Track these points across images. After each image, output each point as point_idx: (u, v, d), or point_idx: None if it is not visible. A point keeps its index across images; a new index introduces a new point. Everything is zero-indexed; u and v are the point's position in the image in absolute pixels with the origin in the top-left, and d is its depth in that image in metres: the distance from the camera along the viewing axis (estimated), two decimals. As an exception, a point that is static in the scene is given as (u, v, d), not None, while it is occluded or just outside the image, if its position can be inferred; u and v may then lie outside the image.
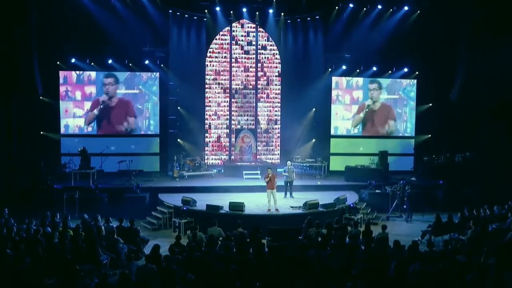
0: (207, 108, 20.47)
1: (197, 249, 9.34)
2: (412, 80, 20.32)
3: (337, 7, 19.34)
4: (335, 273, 8.09)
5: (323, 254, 8.92)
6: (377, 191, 16.30)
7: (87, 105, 18.63)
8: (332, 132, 20.23)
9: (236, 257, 8.72)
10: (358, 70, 19.90)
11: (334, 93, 20.16)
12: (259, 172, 18.10)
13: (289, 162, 15.56)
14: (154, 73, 18.97)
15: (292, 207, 13.76)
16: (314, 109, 20.21)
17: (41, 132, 17.70)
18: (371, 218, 14.53)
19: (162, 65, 18.85)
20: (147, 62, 18.59)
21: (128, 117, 19.00)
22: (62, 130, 18.39)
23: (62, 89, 18.29)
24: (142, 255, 10.89)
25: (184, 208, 13.37)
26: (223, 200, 14.15)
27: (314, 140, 20.29)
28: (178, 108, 19.44)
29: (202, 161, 19.09)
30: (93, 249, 9.36)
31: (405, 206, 15.16)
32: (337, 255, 8.99)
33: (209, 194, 15.47)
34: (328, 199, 14.30)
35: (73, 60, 18.01)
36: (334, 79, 20.10)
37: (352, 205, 14.34)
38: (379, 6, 19.27)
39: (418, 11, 19.17)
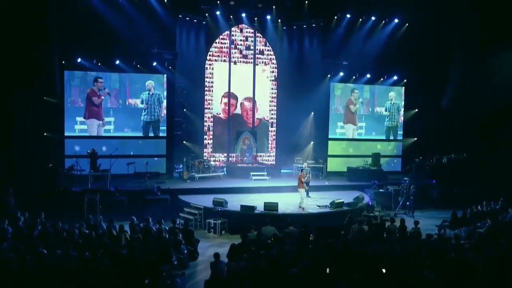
0: (206, 111, 20.75)
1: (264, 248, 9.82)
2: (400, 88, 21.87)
3: (335, 17, 20.38)
4: (401, 265, 8.97)
5: (386, 248, 9.77)
6: (380, 190, 17.48)
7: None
8: (331, 135, 21.06)
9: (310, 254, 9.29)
10: (354, 77, 21.05)
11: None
12: (265, 173, 18.71)
13: (305, 164, 16.32)
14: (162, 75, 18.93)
15: (319, 206, 14.53)
16: (312, 113, 21.11)
17: (45, 134, 17.05)
18: (383, 215, 15.64)
19: (170, 67, 18.81)
20: (155, 63, 18.47)
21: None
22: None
23: (68, 89, 17.70)
24: (198, 255, 11.18)
25: (219, 209, 13.66)
26: (245, 201, 14.58)
27: (312, 142, 21.19)
28: (184, 110, 19.51)
29: (210, 162, 19.31)
30: (166, 250, 9.52)
31: (408, 203, 16.48)
32: (393, 248, 9.89)
33: (227, 195, 15.56)
34: (342, 198, 15.03)
35: (79, 60, 17.42)
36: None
37: (370, 203, 15.38)
38: (373, 18, 20.61)
39: (407, 24, 20.73)
